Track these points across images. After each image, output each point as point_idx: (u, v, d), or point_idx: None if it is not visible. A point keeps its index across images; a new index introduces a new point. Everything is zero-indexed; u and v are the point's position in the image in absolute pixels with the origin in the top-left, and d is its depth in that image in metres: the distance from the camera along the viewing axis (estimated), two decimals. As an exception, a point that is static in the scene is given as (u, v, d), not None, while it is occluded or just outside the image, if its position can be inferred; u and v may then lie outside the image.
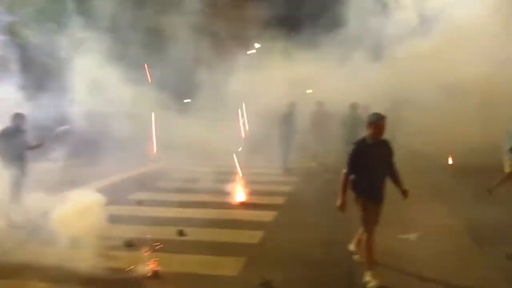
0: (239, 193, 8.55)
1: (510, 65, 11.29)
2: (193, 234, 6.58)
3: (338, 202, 4.90)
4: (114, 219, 6.34)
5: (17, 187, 6.99)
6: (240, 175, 8.75)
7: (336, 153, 11.91)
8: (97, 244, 5.60)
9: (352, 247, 5.50)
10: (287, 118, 11.83)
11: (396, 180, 5.02)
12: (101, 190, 6.81)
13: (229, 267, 5.37)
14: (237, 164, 8.85)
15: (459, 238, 6.35)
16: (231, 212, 7.85)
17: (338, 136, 11.47)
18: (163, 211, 7.75)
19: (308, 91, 18.08)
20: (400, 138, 9.79)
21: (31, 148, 7.51)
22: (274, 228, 6.97)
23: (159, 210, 7.84)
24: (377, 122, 4.78)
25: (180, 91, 12.59)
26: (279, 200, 8.67)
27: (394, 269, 5.19)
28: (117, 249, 5.85)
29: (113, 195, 7.49)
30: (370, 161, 4.77)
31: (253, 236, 6.50)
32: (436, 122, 12.35)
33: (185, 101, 12.68)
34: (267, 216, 7.58)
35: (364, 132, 4.99)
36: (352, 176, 4.87)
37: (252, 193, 8.74)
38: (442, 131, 12.00)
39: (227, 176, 9.08)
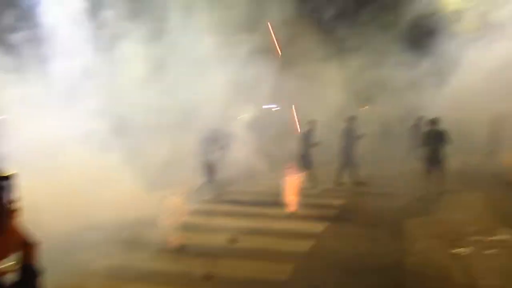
0: (290, 204, 8.72)
1: None
2: (245, 242, 6.83)
3: None
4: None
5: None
6: (291, 186, 8.92)
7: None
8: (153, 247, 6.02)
9: None
10: (347, 132, 11.74)
11: None
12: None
13: (279, 272, 5.53)
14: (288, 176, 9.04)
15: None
16: (281, 222, 8.00)
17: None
18: (214, 220, 8.07)
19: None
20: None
21: None
22: (324, 239, 7.05)
23: (210, 218, 8.16)
24: None
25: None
26: (330, 213, 8.71)
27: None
28: (172, 253, 6.21)
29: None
30: None
31: (302, 245, 6.63)
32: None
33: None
34: (317, 227, 7.67)
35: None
36: None
37: (303, 204, 8.88)
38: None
39: (278, 187, 9.28)
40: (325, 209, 8.94)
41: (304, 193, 9.26)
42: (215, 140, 10.20)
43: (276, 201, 9.03)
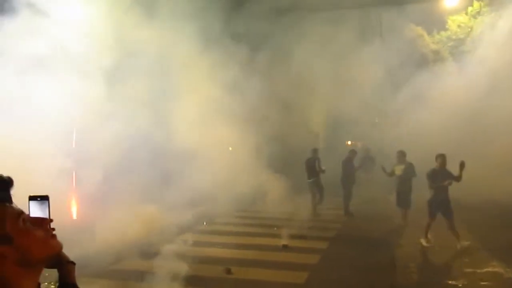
0: (284, 236, 8.74)
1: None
2: (240, 273, 6.80)
3: None
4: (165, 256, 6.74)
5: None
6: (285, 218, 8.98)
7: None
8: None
9: None
10: (348, 163, 12.19)
11: None
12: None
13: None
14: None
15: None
16: (276, 254, 8.00)
17: None
18: (209, 251, 8.03)
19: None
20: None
21: None
22: (319, 270, 7.08)
23: (206, 249, 8.11)
24: None
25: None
26: (323, 244, 8.74)
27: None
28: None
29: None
30: None
31: (298, 277, 6.64)
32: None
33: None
34: (312, 258, 7.69)
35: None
36: None
37: (297, 236, 8.92)
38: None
39: (271, 219, 9.31)
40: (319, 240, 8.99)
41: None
42: None
43: (268, 231, 9.06)
